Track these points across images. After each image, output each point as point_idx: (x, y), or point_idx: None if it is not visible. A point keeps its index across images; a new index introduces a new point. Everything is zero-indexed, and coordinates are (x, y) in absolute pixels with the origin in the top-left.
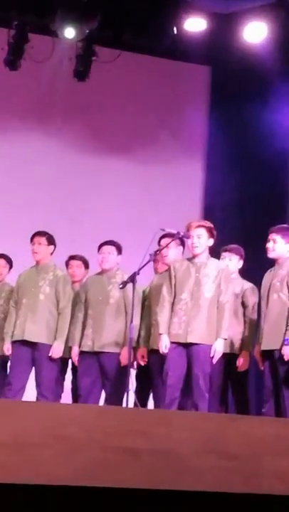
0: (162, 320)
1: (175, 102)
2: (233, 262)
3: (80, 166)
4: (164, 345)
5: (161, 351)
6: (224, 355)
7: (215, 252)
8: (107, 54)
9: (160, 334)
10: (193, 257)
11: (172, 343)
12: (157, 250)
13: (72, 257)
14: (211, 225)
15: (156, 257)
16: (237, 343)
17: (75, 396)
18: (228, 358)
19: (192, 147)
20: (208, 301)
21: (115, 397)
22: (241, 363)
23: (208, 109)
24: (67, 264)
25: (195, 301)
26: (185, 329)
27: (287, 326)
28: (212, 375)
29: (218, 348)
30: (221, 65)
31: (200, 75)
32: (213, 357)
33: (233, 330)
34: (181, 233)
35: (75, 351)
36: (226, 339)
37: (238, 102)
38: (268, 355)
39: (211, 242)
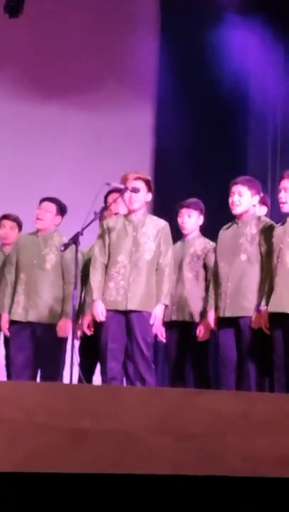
0: (95, 285)
1: (121, 40)
2: (192, 218)
3: (13, 115)
4: (99, 313)
5: (97, 319)
6: (183, 323)
7: (165, 209)
8: None
9: (93, 301)
10: (129, 213)
11: (109, 310)
12: (104, 207)
13: (4, 217)
14: (149, 178)
15: (103, 214)
16: (197, 311)
17: (11, 373)
18: (187, 327)
19: (140, 89)
20: (148, 264)
21: (52, 374)
22: (202, 332)
23: (158, 47)
24: None
25: (134, 264)
26: (124, 295)
27: None
28: (168, 347)
29: (159, 315)
30: None
31: (148, 9)
32: (153, 324)
33: (192, 296)
34: (130, 187)
35: (4, 319)
36: (166, 305)
37: (190, 39)
38: (278, 318)
39: (149, 197)
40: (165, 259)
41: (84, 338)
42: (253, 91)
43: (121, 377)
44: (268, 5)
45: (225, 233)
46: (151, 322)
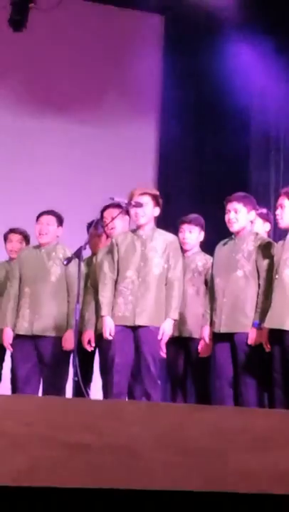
0: (104, 301)
1: (124, 55)
2: (193, 234)
3: (15, 127)
4: (108, 329)
5: (105, 336)
6: (183, 339)
7: (168, 224)
8: (47, 0)
9: (102, 316)
10: (137, 228)
11: (117, 325)
12: (94, 221)
13: (12, 230)
14: (157, 193)
15: (104, 230)
16: (198, 327)
17: (15, 386)
18: (187, 343)
19: (144, 105)
20: (157, 279)
21: (55, 387)
22: (203, 347)
23: (161, 62)
24: (5, 237)
25: (142, 279)
26: (132, 311)
27: None
28: (169, 362)
29: (167, 330)
30: (174, 14)
31: (152, 24)
32: (161, 339)
33: (193, 312)
34: (133, 202)
35: (7, 334)
36: (175, 320)
37: (193, 55)
38: (276, 334)
39: (157, 211)
40: (174, 273)
41: (81, 351)
42: (255, 104)
43: (126, 392)
44: (267, 16)
45: (222, 249)
46: (159, 337)
